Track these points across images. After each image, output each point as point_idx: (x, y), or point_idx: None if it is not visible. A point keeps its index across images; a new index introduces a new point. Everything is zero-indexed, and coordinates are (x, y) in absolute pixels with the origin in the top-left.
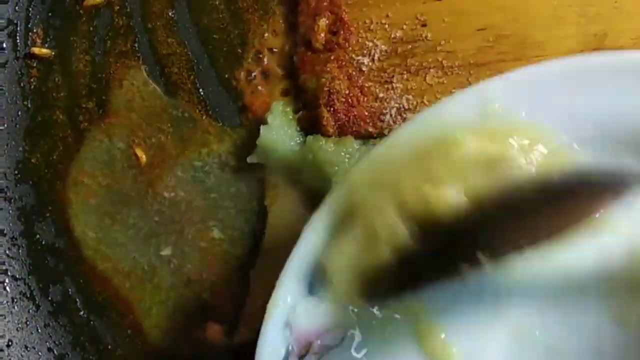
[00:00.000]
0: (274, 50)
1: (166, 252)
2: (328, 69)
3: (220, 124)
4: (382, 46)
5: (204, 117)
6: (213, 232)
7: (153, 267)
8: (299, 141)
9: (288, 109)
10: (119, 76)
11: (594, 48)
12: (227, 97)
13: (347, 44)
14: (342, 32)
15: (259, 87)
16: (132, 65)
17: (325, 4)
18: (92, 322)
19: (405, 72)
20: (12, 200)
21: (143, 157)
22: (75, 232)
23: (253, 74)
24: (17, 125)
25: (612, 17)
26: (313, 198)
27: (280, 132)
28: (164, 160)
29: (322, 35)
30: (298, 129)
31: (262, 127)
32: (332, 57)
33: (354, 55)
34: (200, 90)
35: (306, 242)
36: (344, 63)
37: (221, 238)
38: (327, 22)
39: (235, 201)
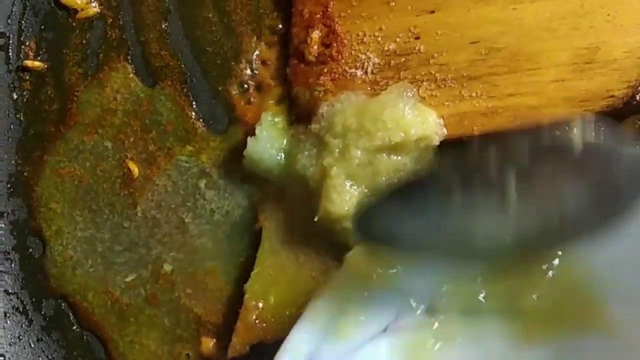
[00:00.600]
0: (267, 62)
1: (139, 275)
2: (321, 81)
3: (213, 136)
4: (375, 59)
5: (196, 130)
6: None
7: (139, 284)
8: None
9: (277, 120)
10: (106, 83)
11: (586, 62)
12: (220, 109)
13: (340, 56)
14: (335, 44)
15: (252, 100)
16: (119, 69)
17: (318, 16)
18: (85, 337)
19: None
20: (5, 214)
21: (135, 171)
22: (48, 245)
23: (246, 87)
24: (10, 139)
25: (605, 30)
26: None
27: (267, 144)
28: (152, 172)
29: (315, 47)
30: (287, 141)
31: (249, 139)
32: (325, 70)
33: (347, 68)
34: (193, 102)
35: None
36: (337, 76)
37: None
38: (320, 34)
39: (228, 213)
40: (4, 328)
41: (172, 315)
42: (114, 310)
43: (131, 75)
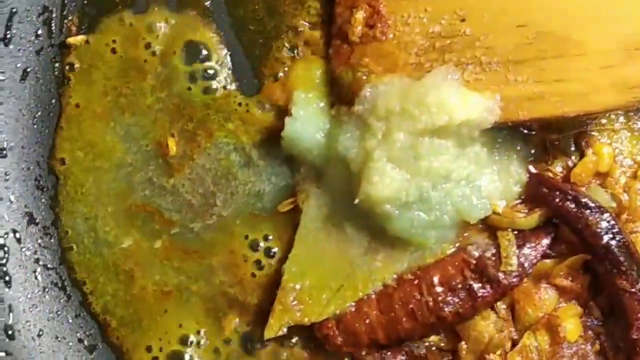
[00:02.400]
0: (310, 42)
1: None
2: (364, 62)
3: (254, 115)
4: (420, 41)
5: (237, 108)
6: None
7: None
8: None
9: (310, 96)
10: (148, 59)
11: (636, 47)
12: (262, 88)
13: (384, 37)
14: (379, 25)
15: (294, 79)
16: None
17: None
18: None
19: None
20: (45, 189)
21: (173, 148)
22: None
23: (288, 66)
24: (51, 114)
25: None
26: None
27: (305, 123)
28: (192, 149)
29: (359, 28)
30: (327, 121)
31: (286, 119)
32: (368, 51)
33: (390, 49)
34: (235, 81)
35: None
36: (380, 57)
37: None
38: (364, 14)
39: (266, 194)
40: (42, 302)
41: (204, 293)
42: (144, 287)
43: (173, 52)
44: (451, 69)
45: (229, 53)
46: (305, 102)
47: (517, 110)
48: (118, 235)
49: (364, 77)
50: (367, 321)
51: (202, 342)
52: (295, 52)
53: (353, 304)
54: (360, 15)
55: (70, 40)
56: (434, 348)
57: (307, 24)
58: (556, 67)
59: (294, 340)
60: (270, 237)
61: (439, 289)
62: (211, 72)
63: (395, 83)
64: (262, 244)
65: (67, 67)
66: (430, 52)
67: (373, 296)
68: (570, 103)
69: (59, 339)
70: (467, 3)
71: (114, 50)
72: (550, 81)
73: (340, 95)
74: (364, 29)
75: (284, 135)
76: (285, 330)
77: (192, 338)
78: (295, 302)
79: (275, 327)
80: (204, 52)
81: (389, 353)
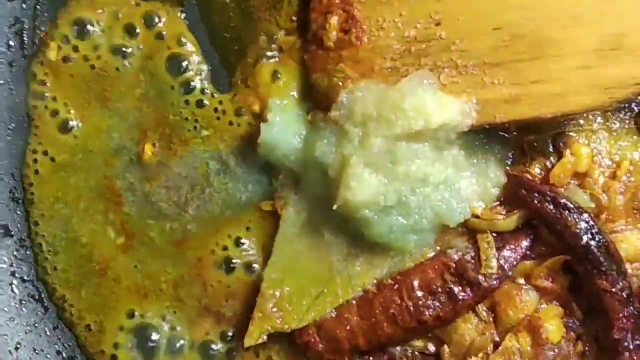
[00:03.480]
0: (285, 49)
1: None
2: (340, 68)
3: (230, 122)
4: (396, 45)
5: (213, 116)
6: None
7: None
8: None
9: (286, 102)
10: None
11: (612, 48)
12: (237, 95)
13: (359, 42)
14: (354, 30)
15: (269, 86)
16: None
17: (337, 1)
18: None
19: None
20: (20, 201)
21: (149, 153)
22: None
23: (262, 72)
24: (25, 125)
25: (634, 16)
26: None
27: (281, 129)
28: (169, 156)
29: (334, 33)
30: (304, 127)
31: (262, 125)
32: (344, 56)
33: (366, 55)
34: (211, 88)
35: None
36: (356, 62)
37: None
38: (338, 20)
39: (242, 201)
40: (20, 316)
41: (179, 301)
42: (117, 291)
43: (149, 60)
44: (427, 74)
45: (204, 60)
46: (281, 108)
47: (494, 113)
48: (91, 234)
49: (341, 83)
50: (348, 327)
51: (177, 348)
52: (271, 58)
53: (334, 310)
54: (334, 20)
55: (50, 56)
56: (416, 353)
57: (282, 30)
58: (533, 68)
59: (274, 348)
60: (248, 245)
61: (419, 294)
62: (186, 79)
63: (371, 88)
64: (239, 252)
65: (41, 76)
66: (406, 56)
67: (354, 302)
68: (548, 104)
69: (37, 351)
70: (442, 7)
71: (86, 58)
72: (527, 83)
73: (317, 101)
74: (339, 34)
75: (261, 142)
76: (265, 337)
77: (167, 344)
78: (275, 309)
79: (255, 334)
80: (180, 59)
81: (371, 359)
